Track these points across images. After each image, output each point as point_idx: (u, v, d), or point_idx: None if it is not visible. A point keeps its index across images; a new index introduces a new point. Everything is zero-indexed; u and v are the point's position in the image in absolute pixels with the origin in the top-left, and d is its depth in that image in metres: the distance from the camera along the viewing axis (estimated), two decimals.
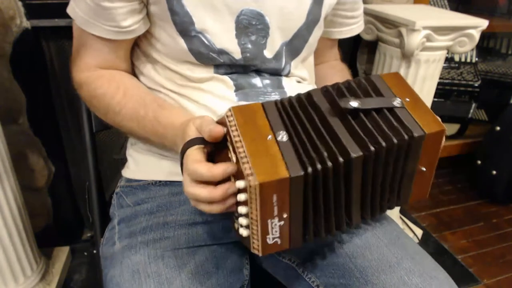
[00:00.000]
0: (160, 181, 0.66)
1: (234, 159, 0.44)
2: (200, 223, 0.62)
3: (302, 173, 0.42)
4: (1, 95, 1.12)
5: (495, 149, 1.79)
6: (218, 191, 0.44)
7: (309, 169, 0.42)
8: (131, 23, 0.58)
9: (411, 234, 1.60)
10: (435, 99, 1.63)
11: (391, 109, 0.49)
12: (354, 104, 0.46)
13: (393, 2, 1.42)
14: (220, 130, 0.45)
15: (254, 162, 0.41)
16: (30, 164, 1.25)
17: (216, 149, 0.48)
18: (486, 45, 2.13)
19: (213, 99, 0.62)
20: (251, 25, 0.59)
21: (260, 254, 0.45)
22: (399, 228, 0.66)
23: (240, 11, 0.58)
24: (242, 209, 0.44)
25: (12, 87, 1.13)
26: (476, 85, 1.81)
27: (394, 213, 1.56)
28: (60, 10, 1.08)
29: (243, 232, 0.45)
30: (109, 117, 0.62)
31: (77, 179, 1.40)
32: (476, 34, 1.19)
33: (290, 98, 0.49)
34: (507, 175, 1.76)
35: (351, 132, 0.46)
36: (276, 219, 0.43)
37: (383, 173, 0.49)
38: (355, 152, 0.44)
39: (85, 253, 1.44)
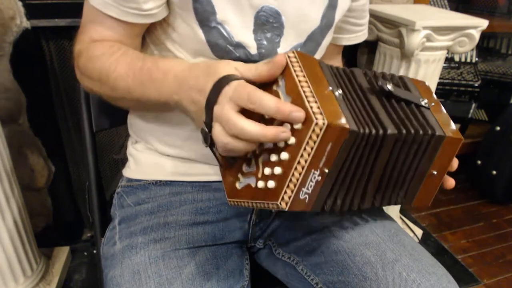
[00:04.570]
0: (160, 181, 0.66)
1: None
2: (201, 223, 0.63)
3: (357, 129, 0.42)
4: (1, 95, 1.12)
5: (495, 149, 1.79)
6: (272, 130, 0.39)
7: (361, 130, 0.43)
8: (152, 7, 0.56)
9: (411, 234, 1.60)
10: None
11: (418, 106, 0.52)
12: (389, 86, 0.48)
13: (393, 2, 1.42)
14: (283, 59, 0.41)
15: (321, 103, 0.40)
16: (30, 164, 1.25)
17: None
18: (486, 45, 2.13)
19: None
20: (268, 23, 0.59)
21: (287, 209, 0.41)
22: (397, 225, 0.66)
23: (260, 7, 0.58)
24: (282, 155, 0.41)
25: (12, 87, 1.13)
26: (476, 85, 1.81)
27: (394, 213, 1.56)
28: (60, 10, 1.08)
29: (269, 183, 0.42)
30: (103, 79, 0.57)
31: (77, 179, 1.40)
32: (476, 34, 1.19)
33: (337, 67, 0.49)
34: (507, 175, 1.76)
35: (386, 111, 0.48)
36: (317, 173, 0.42)
37: (402, 161, 0.51)
38: (391, 129, 0.46)
39: (85, 253, 1.44)
